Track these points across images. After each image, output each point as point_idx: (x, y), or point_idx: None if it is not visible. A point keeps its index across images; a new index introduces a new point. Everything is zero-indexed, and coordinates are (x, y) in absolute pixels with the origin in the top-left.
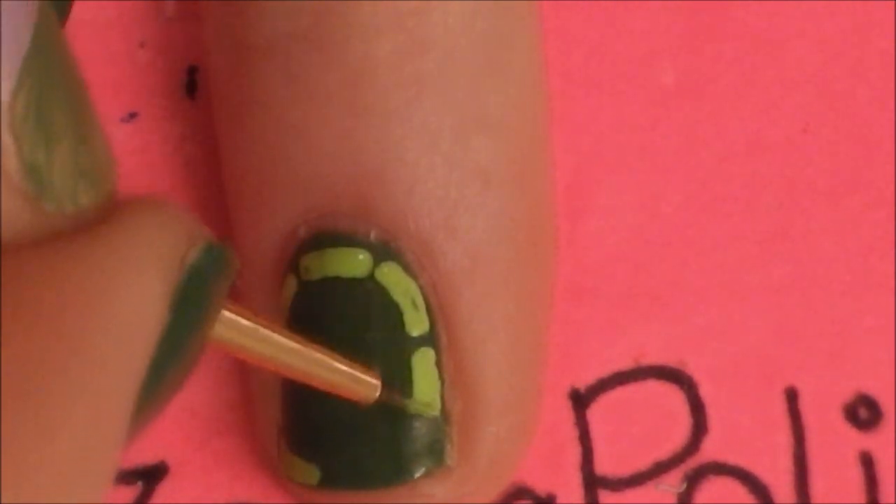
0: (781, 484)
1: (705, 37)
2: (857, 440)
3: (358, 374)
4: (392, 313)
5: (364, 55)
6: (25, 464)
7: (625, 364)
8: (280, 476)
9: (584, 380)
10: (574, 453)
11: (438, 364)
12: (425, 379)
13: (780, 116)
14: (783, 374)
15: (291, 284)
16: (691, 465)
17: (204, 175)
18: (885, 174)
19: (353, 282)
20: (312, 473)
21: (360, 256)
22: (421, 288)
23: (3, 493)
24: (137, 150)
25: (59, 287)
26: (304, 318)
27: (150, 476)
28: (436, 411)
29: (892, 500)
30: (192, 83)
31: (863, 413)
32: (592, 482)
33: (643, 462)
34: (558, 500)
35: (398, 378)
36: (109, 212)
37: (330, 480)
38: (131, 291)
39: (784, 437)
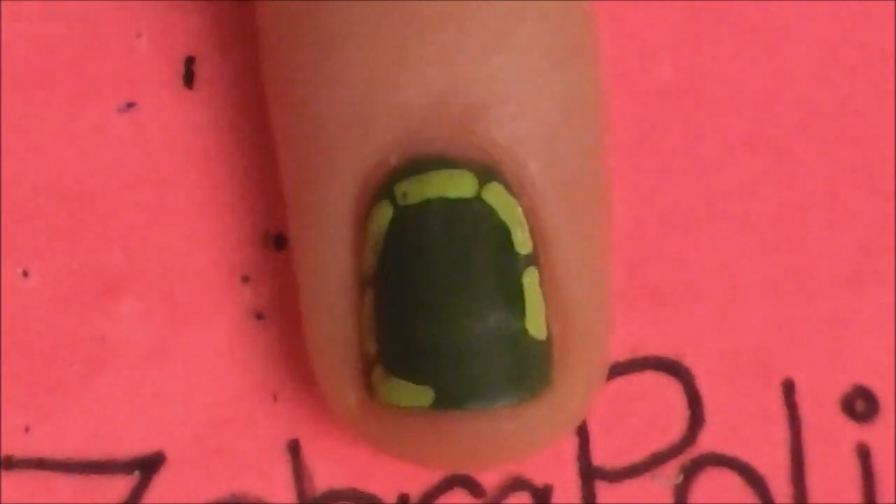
0: (778, 476)
1: (704, 32)
2: (854, 432)
3: None
4: (501, 232)
5: None
6: None
7: (622, 356)
8: (356, 418)
9: None
10: (571, 444)
11: (541, 286)
12: (535, 300)
13: (779, 111)
14: (780, 366)
15: (385, 212)
16: (688, 456)
17: (203, 165)
18: (883, 169)
19: (460, 202)
20: (424, 396)
21: (465, 177)
22: (522, 210)
23: None
24: (135, 140)
25: None
26: (403, 244)
27: (148, 466)
28: (542, 335)
29: (890, 493)
30: (189, 73)
31: (860, 405)
32: (589, 473)
33: (640, 453)
34: (555, 492)
35: (512, 299)
36: None
37: (445, 400)
38: None
39: (781, 430)
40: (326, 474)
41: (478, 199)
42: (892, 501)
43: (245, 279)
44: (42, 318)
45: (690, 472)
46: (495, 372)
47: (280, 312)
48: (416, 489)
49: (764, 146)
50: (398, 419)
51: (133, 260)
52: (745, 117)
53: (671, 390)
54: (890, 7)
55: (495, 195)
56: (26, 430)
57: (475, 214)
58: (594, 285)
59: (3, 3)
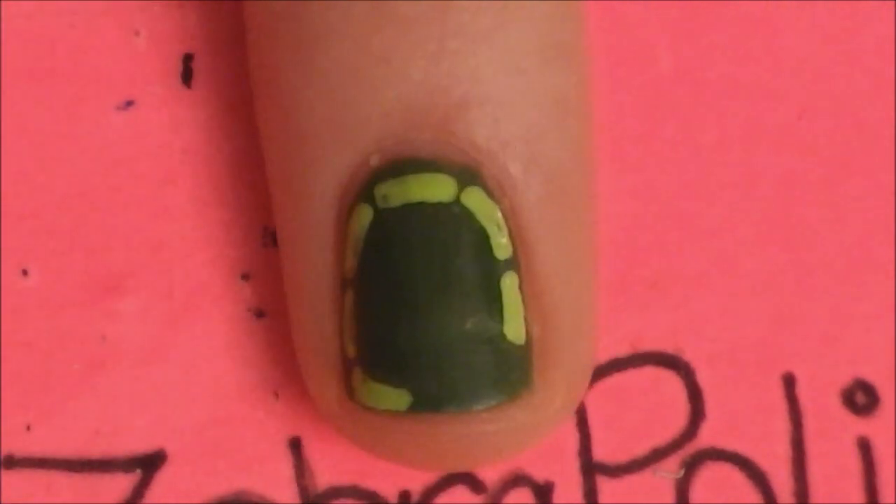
0: (779, 469)
1: (701, 23)
2: (855, 426)
3: None
4: (479, 237)
5: None
6: None
7: (622, 351)
8: (339, 417)
9: None
10: (572, 440)
11: (521, 289)
12: (513, 303)
13: (777, 102)
14: (780, 359)
15: (365, 214)
16: (689, 451)
17: (201, 163)
18: (882, 159)
19: (439, 206)
20: (401, 399)
21: (445, 181)
22: (502, 213)
23: None
24: (133, 138)
25: None
26: (382, 247)
27: (149, 464)
28: (521, 339)
29: (890, 485)
30: (188, 71)
31: (860, 398)
32: (590, 469)
33: (641, 448)
34: (556, 487)
35: (489, 303)
36: None
37: (421, 403)
38: None
39: (781, 423)
40: (328, 471)
41: (457, 202)
42: (894, 494)
43: (245, 277)
44: (42, 317)
45: (691, 466)
46: (472, 375)
47: (280, 309)
48: (417, 486)
49: (762, 138)
50: (376, 421)
51: (132, 258)
52: (743, 109)
53: (672, 385)
54: None
55: (474, 199)
56: (27, 428)
57: (454, 218)
58: (578, 287)
59: (2, 1)
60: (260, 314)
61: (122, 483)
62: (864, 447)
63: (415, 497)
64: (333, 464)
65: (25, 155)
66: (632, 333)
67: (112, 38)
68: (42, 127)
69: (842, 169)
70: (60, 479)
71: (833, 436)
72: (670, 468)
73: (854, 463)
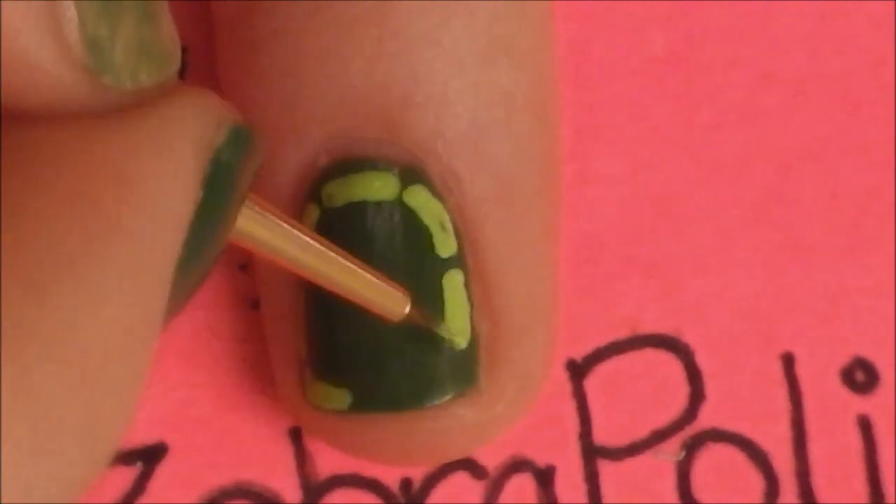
0: (780, 449)
1: (695, 4)
2: (855, 404)
3: (387, 287)
4: (421, 235)
5: None
6: (71, 337)
7: (621, 334)
8: (299, 416)
9: (581, 350)
10: (572, 424)
11: (467, 286)
12: (455, 301)
13: (772, 81)
14: (779, 339)
15: (312, 213)
16: (689, 432)
17: None
18: (878, 137)
19: (381, 205)
20: (343, 398)
21: (387, 180)
22: (447, 211)
23: (49, 365)
24: None
25: (99, 159)
26: None
27: (150, 456)
28: (465, 341)
29: (891, 463)
30: (181, 64)
31: (860, 377)
32: (591, 452)
33: (641, 431)
34: (557, 471)
35: (429, 301)
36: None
37: (362, 403)
38: (166, 168)
39: (781, 403)
40: (329, 460)
41: (398, 201)
42: (894, 471)
43: (242, 267)
44: None
45: (692, 447)
46: (412, 374)
47: None
48: (418, 473)
49: (758, 119)
50: (325, 420)
51: None
52: (737, 90)
53: (671, 367)
54: None
55: (417, 197)
56: None
57: (396, 217)
58: (530, 285)
59: None
60: (257, 305)
61: (124, 475)
62: (865, 425)
63: (416, 484)
64: (335, 452)
65: None
66: (631, 316)
67: None
68: None
69: (838, 148)
70: None
71: (833, 415)
72: (671, 450)
73: (854, 441)
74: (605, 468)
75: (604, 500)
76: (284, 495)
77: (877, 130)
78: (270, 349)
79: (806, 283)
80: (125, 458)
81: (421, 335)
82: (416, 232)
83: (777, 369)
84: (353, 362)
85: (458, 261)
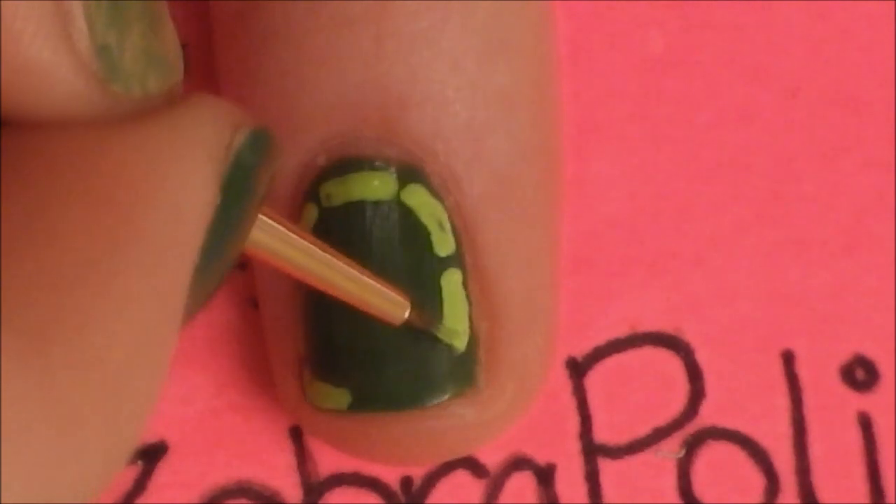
0: (780, 447)
1: (694, 4)
2: (855, 402)
3: (388, 292)
4: (419, 234)
5: None
6: (91, 339)
7: (621, 332)
8: (299, 415)
9: (581, 348)
10: (573, 422)
11: (465, 285)
12: (453, 300)
13: (770, 80)
14: (779, 337)
15: (311, 213)
16: (690, 430)
17: None
18: (876, 134)
19: (379, 204)
20: (342, 398)
21: (385, 179)
22: (446, 210)
23: (70, 365)
24: None
25: (118, 165)
26: None
27: (150, 455)
28: (463, 345)
29: (891, 461)
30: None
31: (860, 374)
32: (592, 450)
33: (642, 429)
34: (558, 470)
35: (427, 300)
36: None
37: (361, 403)
38: (183, 172)
39: (782, 401)
40: (329, 458)
41: (396, 200)
42: (894, 469)
43: (242, 267)
44: None
45: (693, 445)
46: (412, 374)
47: None
48: (418, 471)
49: (757, 117)
50: (324, 420)
51: None
52: (737, 88)
53: (671, 365)
54: None
55: (415, 196)
56: None
57: (394, 216)
58: (529, 283)
59: None
60: (256, 304)
61: (124, 474)
62: (865, 423)
63: (417, 482)
64: (335, 451)
65: None
66: (630, 314)
67: None
68: None
69: (837, 146)
70: None
71: (833, 412)
72: (671, 448)
73: (855, 439)
74: (606, 466)
75: (604, 499)
76: (285, 494)
77: (874, 126)
78: (270, 349)
79: (806, 281)
80: None
81: (420, 335)
82: (414, 231)
83: (777, 367)
84: (352, 362)
85: (456, 260)
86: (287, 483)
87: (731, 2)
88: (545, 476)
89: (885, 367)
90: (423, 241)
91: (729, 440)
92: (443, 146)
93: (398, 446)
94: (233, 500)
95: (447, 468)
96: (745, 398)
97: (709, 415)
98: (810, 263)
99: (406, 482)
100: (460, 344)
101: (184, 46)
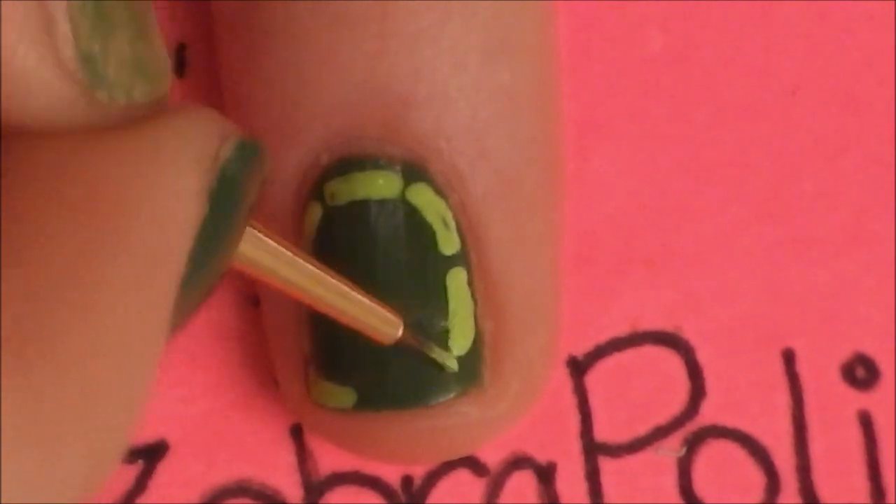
0: (781, 445)
1: (694, 3)
2: (856, 400)
3: (380, 310)
4: (424, 233)
5: None
6: (77, 350)
7: (621, 330)
8: (303, 414)
9: (582, 347)
10: (573, 421)
11: (470, 284)
12: (459, 299)
13: (770, 79)
14: (780, 335)
15: (315, 212)
16: (690, 429)
17: None
18: (876, 133)
19: (384, 203)
20: (348, 396)
21: (389, 178)
22: (451, 208)
23: (49, 368)
24: None
25: (102, 174)
26: (331, 245)
27: (151, 454)
28: (456, 365)
29: (892, 459)
30: (180, 61)
31: (860, 373)
32: (592, 449)
33: (643, 427)
34: (558, 469)
35: (433, 299)
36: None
37: (366, 402)
38: (169, 182)
39: (782, 399)
40: (330, 457)
41: (401, 199)
42: (895, 467)
43: None
44: None
45: (693, 444)
46: (416, 373)
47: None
48: (419, 470)
49: (757, 115)
50: (329, 418)
51: None
52: (736, 86)
53: (672, 363)
54: None
55: (420, 195)
56: None
57: (397, 215)
58: (533, 281)
59: None
60: (257, 302)
61: (125, 474)
62: (865, 421)
63: (417, 481)
64: (335, 450)
65: None
66: (631, 313)
67: None
68: None
69: (836, 143)
70: None
71: (834, 410)
72: (672, 446)
73: (855, 437)
74: (606, 465)
75: (605, 497)
76: (285, 493)
77: (874, 125)
78: (273, 347)
79: (806, 280)
80: (126, 456)
81: (425, 333)
82: (419, 230)
83: (778, 365)
84: (357, 361)
85: (461, 258)
86: (287, 482)
87: (731, 2)
88: (546, 475)
89: (885, 366)
90: (428, 240)
91: (729, 439)
92: (446, 144)
93: (403, 445)
94: (233, 499)
95: (448, 467)
96: (746, 397)
97: (709, 413)
98: (810, 262)
99: (407, 481)
100: (453, 364)
101: (184, 46)
